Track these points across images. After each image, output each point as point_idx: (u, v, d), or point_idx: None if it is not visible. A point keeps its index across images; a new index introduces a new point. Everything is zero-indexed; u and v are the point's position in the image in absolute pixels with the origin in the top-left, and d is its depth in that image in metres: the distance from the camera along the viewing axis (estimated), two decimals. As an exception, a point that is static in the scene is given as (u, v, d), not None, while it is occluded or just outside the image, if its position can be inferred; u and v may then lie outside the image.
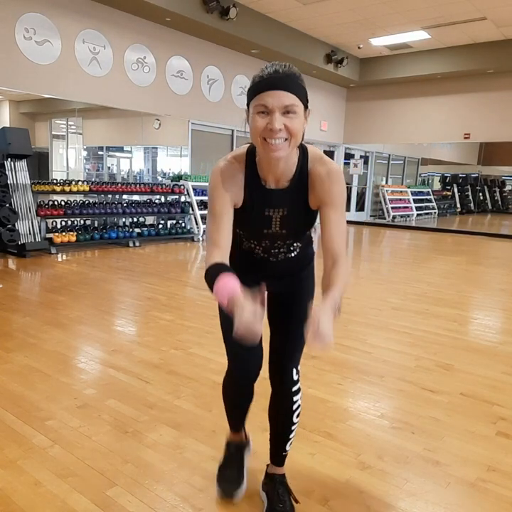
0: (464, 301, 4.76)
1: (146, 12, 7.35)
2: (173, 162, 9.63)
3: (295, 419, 1.63)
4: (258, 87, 1.24)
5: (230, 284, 1.24)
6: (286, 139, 1.26)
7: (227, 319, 1.47)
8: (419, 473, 1.88)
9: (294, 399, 1.61)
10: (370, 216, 14.25)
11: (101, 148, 9.28)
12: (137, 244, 7.58)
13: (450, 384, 2.74)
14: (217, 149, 9.63)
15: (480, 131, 10.80)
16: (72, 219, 7.14)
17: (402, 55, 10.75)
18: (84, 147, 8.70)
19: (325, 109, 11.97)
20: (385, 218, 13.81)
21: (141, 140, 9.15)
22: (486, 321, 4.07)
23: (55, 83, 6.81)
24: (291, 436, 1.65)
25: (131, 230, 7.73)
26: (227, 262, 1.34)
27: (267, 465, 1.73)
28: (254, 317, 1.13)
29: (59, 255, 6.48)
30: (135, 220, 8.01)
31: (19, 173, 6.36)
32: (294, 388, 1.61)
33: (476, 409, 2.44)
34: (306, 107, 1.29)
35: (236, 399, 1.76)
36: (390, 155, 14.39)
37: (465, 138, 11.03)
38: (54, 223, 6.98)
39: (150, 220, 8.39)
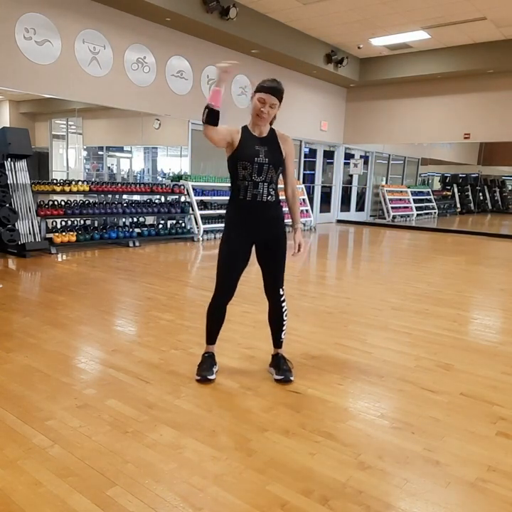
0: (464, 301, 4.76)
1: (146, 12, 7.35)
2: (173, 162, 9.63)
3: (285, 317, 2.75)
4: (263, 89, 2.50)
5: (217, 97, 2.49)
6: (265, 117, 2.51)
7: (224, 258, 2.57)
8: (419, 473, 1.88)
9: (283, 305, 2.74)
10: (370, 216, 14.25)
11: (101, 148, 9.29)
12: (137, 244, 7.58)
13: (450, 384, 2.74)
14: (217, 149, 9.57)
15: (480, 131, 10.80)
16: (72, 219, 7.14)
17: (402, 55, 10.75)
18: (84, 147, 8.70)
19: (325, 109, 11.97)
20: (385, 218, 13.81)
21: (141, 140, 9.15)
22: (486, 321, 4.07)
23: (55, 83, 6.81)
24: (284, 328, 2.77)
25: (131, 230, 7.73)
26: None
27: (272, 352, 2.81)
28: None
29: (59, 255, 6.48)
30: (135, 220, 8.00)
31: (19, 173, 6.36)
32: (282, 299, 2.73)
33: (476, 409, 2.44)
34: (280, 103, 2.52)
35: (214, 317, 2.70)
36: (390, 155, 14.39)
37: (465, 138, 11.03)
38: (54, 223, 6.97)
39: (150, 220, 8.38)
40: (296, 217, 2.74)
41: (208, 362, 2.70)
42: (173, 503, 1.65)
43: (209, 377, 2.62)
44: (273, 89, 2.46)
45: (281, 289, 2.70)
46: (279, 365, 2.72)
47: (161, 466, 1.86)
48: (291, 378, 2.66)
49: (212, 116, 2.49)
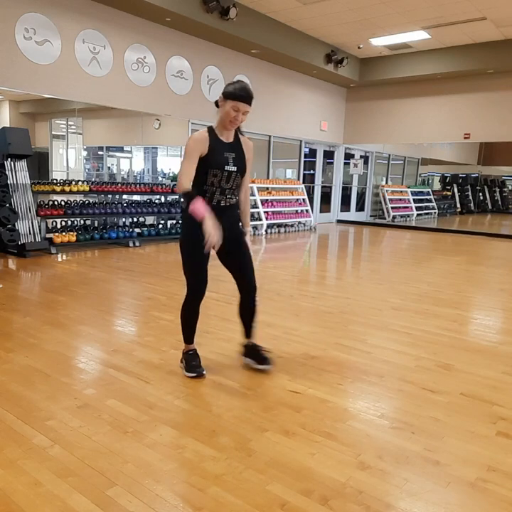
0: (464, 301, 4.76)
1: (146, 12, 7.35)
2: (173, 162, 9.63)
3: (257, 308, 2.83)
4: (236, 96, 2.44)
5: (203, 205, 2.34)
6: (238, 124, 2.54)
7: (191, 255, 2.58)
8: (419, 473, 1.88)
9: (256, 298, 2.79)
10: (370, 216, 14.25)
11: (101, 148, 9.28)
12: (137, 244, 7.58)
13: (450, 384, 2.74)
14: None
15: (480, 131, 10.80)
16: (72, 219, 7.14)
17: (402, 55, 10.75)
18: (84, 147, 8.70)
19: (325, 109, 11.97)
20: (385, 218, 13.81)
21: (141, 140, 9.15)
22: (486, 321, 4.07)
23: (55, 83, 6.81)
24: (255, 317, 2.83)
25: (131, 230, 7.73)
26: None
27: (245, 342, 2.87)
28: (216, 229, 2.30)
29: (59, 255, 6.48)
30: (135, 220, 8.01)
31: (19, 173, 6.36)
32: (256, 292, 2.77)
33: (476, 409, 2.44)
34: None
35: (193, 316, 2.71)
36: (390, 155, 14.39)
37: (465, 138, 11.03)
38: (54, 223, 6.97)
39: (150, 220, 8.38)
40: (246, 220, 2.78)
41: (196, 359, 2.74)
42: (173, 503, 1.65)
43: (203, 372, 2.69)
44: (247, 98, 2.46)
45: (255, 282, 2.76)
46: (259, 354, 2.81)
47: (161, 466, 1.86)
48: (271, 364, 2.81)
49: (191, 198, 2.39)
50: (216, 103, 2.53)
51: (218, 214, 2.50)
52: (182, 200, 2.49)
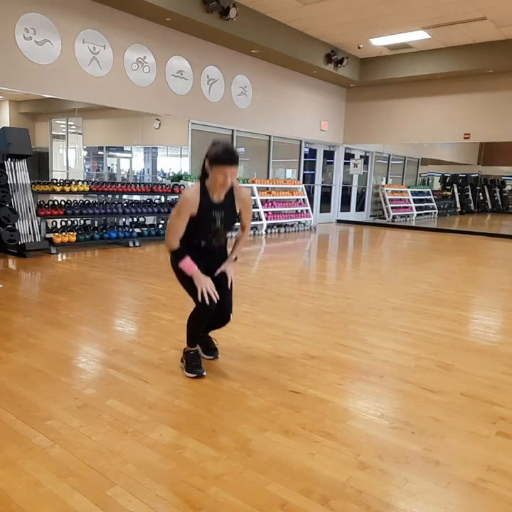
0: (464, 301, 4.76)
1: (146, 12, 7.35)
2: (173, 162, 9.63)
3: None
4: (220, 161, 2.45)
5: (191, 263, 2.56)
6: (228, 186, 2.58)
7: (187, 280, 2.63)
8: (419, 473, 1.88)
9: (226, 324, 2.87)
10: (370, 216, 14.25)
11: (101, 148, 9.28)
12: (137, 244, 7.58)
13: (450, 384, 2.74)
14: (217, 149, 9.61)
15: (480, 131, 10.80)
16: (72, 219, 7.14)
17: (402, 55, 10.75)
18: (84, 147, 8.70)
19: (325, 109, 11.97)
20: (385, 218, 13.81)
21: (141, 140, 9.15)
22: (486, 321, 4.07)
23: (55, 83, 6.81)
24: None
25: (131, 230, 7.73)
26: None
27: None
28: (207, 280, 2.57)
29: (59, 255, 6.48)
30: (135, 220, 8.01)
31: (19, 173, 6.36)
32: (228, 322, 2.85)
33: (476, 409, 2.44)
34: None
35: (200, 328, 2.77)
36: (390, 155, 14.39)
37: (465, 138, 11.03)
38: (54, 223, 6.97)
39: (150, 220, 8.38)
40: (236, 251, 2.86)
41: (198, 359, 2.77)
42: (173, 503, 1.65)
43: (204, 373, 2.71)
44: (233, 160, 2.47)
45: (231, 313, 2.85)
46: (209, 345, 2.98)
47: (161, 466, 1.86)
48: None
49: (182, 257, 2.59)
50: (203, 165, 2.54)
51: (207, 255, 2.71)
52: (170, 254, 2.62)
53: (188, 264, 2.55)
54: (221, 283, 2.76)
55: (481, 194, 15.73)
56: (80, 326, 3.51)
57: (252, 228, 9.75)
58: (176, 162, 9.48)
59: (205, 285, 2.56)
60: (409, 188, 14.87)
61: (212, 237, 2.67)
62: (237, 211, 2.72)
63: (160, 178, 9.55)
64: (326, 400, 2.47)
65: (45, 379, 2.60)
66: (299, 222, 11.02)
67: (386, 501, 1.71)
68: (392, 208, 13.80)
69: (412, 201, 14.56)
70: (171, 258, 2.66)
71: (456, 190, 16.17)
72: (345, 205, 13.60)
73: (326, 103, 11.98)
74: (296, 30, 9.40)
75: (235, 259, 2.87)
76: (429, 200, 15.45)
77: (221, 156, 2.45)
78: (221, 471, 1.84)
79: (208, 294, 2.56)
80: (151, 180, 9.48)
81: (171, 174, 9.25)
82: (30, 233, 6.36)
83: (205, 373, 2.71)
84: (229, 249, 2.88)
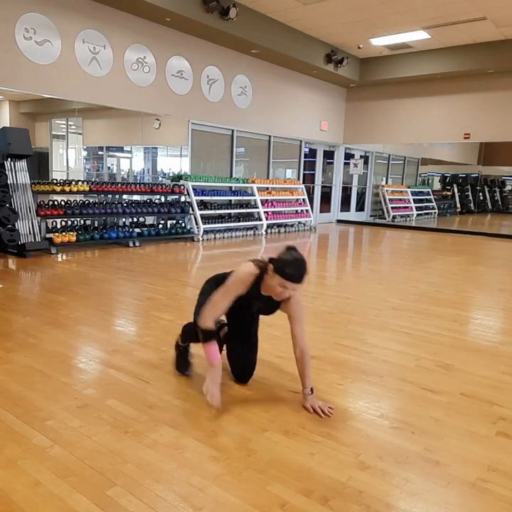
0: (464, 301, 4.76)
1: (146, 12, 7.34)
2: (173, 162, 9.63)
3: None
4: (290, 278, 2.15)
5: (217, 353, 2.29)
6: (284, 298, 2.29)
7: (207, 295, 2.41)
8: (419, 473, 1.88)
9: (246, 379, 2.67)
10: (370, 216, 14.25)
11: (101, 148, 9.28)
12: (137, 244, 7.58)
13: (450, 384, 2.74)
14: (217, 149, 9.63)
15: (480, 131, 10.80)
16: (72, 219, 7.14)
17: (402, 55, 10.75)
18: (84, 147, 8.70)
19: (325, 109, 11.97)
20: (385, 218, 13.81)
21: (141, 140, 9.15)
22: (486, 321, 4.07)
23: (55, 83, 6.81)
24: None
25: (131, 230, 7.73)
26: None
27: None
28: (217, 387, 2.26)
29: (59, 255, 6.48)
30: (135, 220, 8.00)
31: (19, 173, 6.36)
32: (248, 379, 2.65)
33: (476, 409, 2.44)
34: None
35: (195, 340, 2.52)
36: (390, 155, 14.39)
37: (465, 138, 11.03)
38: (54, 223, 6.97)
39: (150, 220, 8.38)
40: (305, 382, 2.40)
41: (187, 356, 2.74)
42: (173, 503, 1.65)
43: (189, 374, 2.71)
44: (298, 278, 2.18)
45: (250, 377, 2.68)
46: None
47: (161, 466, 1.86)
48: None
49: (209, 335, 2.30)
50: (270, 260, 2.26)
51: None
52: (198, 329, 2.30)
53: (213, 353, 2.27)
54: (249, 340, 2.62)
55: (481, 194, 15.72)
56: (80, 326, 3.51)
57: (252, 228, 9.76)
58: (175, 162, 9.48)
59: (212, 385, 2.24)
60: (409, 188, 14.87)
61: (239, 318, 2.54)
62: (278, 308, 2.42)
63: (160, 178, 9.55)
64: (326, 400, 2.47)
65: (45, 379, 2.60)
66: (299, 222, 11.02)
67: (386, 501, 1.71)
68: (392, 207, 13.80)
69: (412, 201, 14.56)
70: (196, 330, 2.33)
71: (456, 190, 16.16)
72: (345, 205, 13.60)
73: (326, 103, 11.98)
74: (296, 30, 9.40)
75: (312, 391, 2.40)
76: (429, 200, 15.44)
77: (291, 271, 2.16)
78: (221, 471, 1.84)
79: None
80: (151, 180, 9.48)
81: (171, 174, 9.26)
82: (30, 233, 6.36)
83: (191, 374, 2.70)
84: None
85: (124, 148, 9.61)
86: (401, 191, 14.50)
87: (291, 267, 2.16)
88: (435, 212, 15.44)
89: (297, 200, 11.10)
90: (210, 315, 2.27)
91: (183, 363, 2.73)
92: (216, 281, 2.49)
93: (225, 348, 2.69)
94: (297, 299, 2.36)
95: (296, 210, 10.94)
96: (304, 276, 2.20)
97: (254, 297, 2.34)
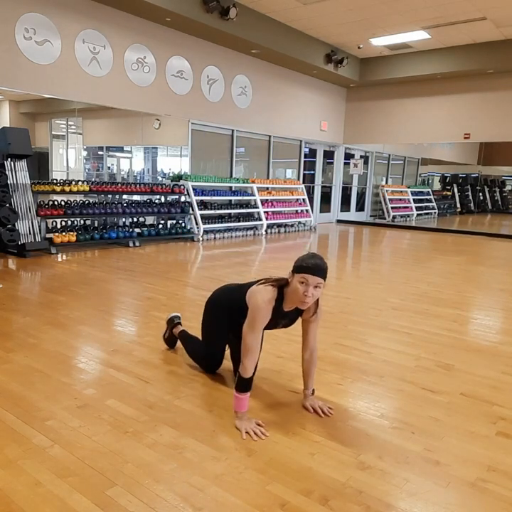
0: (464, 301, 4.76)
1: (146, 12, 7.35)
2: (173, 162, 9.63)
3: None
4: (304, 270, 2.09)
5: (246, 403, 2.18)
6: (309, 302, 2.15)
7: (213, 325, 2.63)
8: (419, 473, 1.88)
9: None
10: (370, 216, 14.25)
11: (101, 148, 9.28)
12: (137, 244, 7.58)
13: (450, 384, 2.74)
14: (217, 149, 9.63)
15: (480, 131, 10.80)
16: (72, 219, 7.14)
17: (402, 55, 10.75)
18: (84, 147, 8.70)
19: (325, 109, 11.97)
20: (385, 218, 13.81)
21: (141, 140, 9.15)
22: (486, 321, 4.07)
23: (55, 83, 6.81)
24: None
25: (131, 230, 7.73)
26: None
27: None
28: (254, 426, 2.14)
29: (59, 255, 6.48)
30: (135, 220, 8.00)
31: (19, 173, 6.36)
32: None
33: (476, 409, 2.44)
34: (325, 281, 2.16)
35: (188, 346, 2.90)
36: (390, 155, 14.39)
37: (465, 138, 11.03)
38: (54, 223, 6.97)
39: (150, 220, 8.39)
40: (308, 383, 2.41)
41: (175, 324, 3.08)
42: (173, 503, 1.65)
43: (167, 348, 3.07)
44: (316, 269, 2.09)
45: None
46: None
47: (161, 466, 1.86)
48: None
49: (245, 385, 2.19)
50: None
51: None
52: (237, 379, 2.19)
53: (245, 404, 2.17)
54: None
55: (481, 194, 15.72)
56: (80, 326, 3.51)
57: (252, 228, 9.76)
58: (175, 162, 9.48)
59: (249, 428, 2.12)
60: (409, 188, 14.87)
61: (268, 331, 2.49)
62: (299, 318, 2.39)
63: (160, 178, 9.55)
64: (326, 400, 2.47)
65: (45, 379, 2.60)
66: (299, 222, 11.02)
67: (386, 501, 1.71)
68: (392, 207, 13.80)
69: (412, 201, 14.56)
70: (236, 382, 2.20)
71: (456, 190, 16.16)
72: (345, 205, 13.60)
73: (326, 103, 11.98)
74: (296, 30, 9.40)
75: (313, 392, 2.42)
76: (429, 200, 15.44)
77: (304, 262, 2.10)
78: (221, 471, 1.84)
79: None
80: (151, 180, 9.48)
81: (171, 174, 9.26)
82: (30, 233, 6.36)
83: (168, 349, 3.07)
84: None
85: (124, 148, 9.61)
86: (401, 191, 14.50)
87: (308, 259, 2.11)
88: (435, 212, 15.44)
89: (297, 200, 11.10)
90: (251, 362, 2.17)
91: (169, 333, 3.08)
92: (228, 303, 2.53)
93: (227, 347, 2.69)
94: (319, 301, 2.33)
95: (296, 210, 10.94)
96: (324, 270, 2.11)
97: (278, 317, 2.29)
